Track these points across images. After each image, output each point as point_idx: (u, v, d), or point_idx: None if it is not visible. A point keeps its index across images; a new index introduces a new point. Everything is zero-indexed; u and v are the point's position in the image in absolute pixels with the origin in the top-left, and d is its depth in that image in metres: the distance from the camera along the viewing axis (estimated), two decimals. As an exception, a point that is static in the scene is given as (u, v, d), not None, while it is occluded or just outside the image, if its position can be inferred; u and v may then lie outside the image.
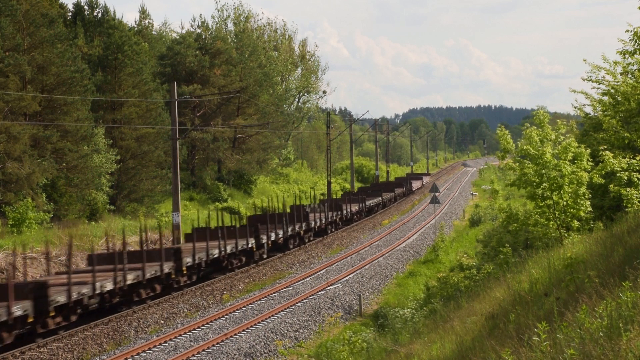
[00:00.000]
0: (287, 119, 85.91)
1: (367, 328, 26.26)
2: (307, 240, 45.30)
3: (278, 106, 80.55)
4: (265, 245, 38.48)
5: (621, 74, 22.36)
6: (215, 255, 33.22)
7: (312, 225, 45.55)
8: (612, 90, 22.23)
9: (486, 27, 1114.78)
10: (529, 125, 21.15)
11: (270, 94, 78.70)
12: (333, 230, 51.48)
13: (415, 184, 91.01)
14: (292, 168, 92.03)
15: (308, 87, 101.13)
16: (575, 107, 26.08)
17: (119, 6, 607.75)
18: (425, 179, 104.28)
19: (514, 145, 21.00)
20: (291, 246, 42.47)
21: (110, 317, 26.21)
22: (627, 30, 20.05)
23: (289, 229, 41.55)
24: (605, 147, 20.75)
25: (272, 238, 39.10)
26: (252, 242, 36.62)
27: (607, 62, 22.63)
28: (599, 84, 23.02)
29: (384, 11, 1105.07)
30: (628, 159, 19.95)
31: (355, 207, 56.90)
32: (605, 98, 23.08)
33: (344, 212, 53.30)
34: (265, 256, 38.85)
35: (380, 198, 66.54)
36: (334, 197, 70.16)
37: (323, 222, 47.99)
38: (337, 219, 52.09)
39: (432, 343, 15.08)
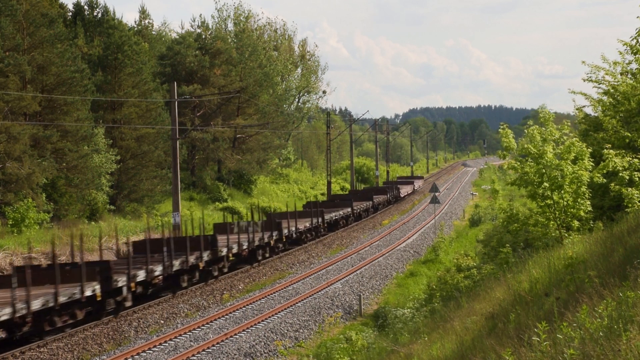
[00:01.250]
0: (287, 119, 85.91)
1: (367, 328, 26.26)
2: (217, 273, 33.49)
3: (278, 106, 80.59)
4: (126, 289, 26.00)
5: (621, 74, 22.40)
6: None
7: (224, 253, 33.31)
8: (612, 90, 22.27)
9: (486, 27, 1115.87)
10: (532, 123, 21.15)
11: (270, 94, 78.73)
12: (268, 256, 39.29)
13: (405, 190, 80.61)
14: (292, 168, 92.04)
15: (308, 87, 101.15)
16: (575, 110, 26.12)
17: (119, 6, 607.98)
18: (418, 183, 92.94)
19: (515, 144, 21.00)
20: (184, 284, 30.68)
21: (110, 317, 26.21)
22: (638, 17, 20.14)
23: (178, 262, 29.42)
24: (609, 146, 20.77)
25: (141, 277, 26.70)
26: (95, 287, 24.39)
27: (607, 62, 22.68)
28: (599, 84, 23.07)
29: (383, 11, 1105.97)
30: (630, 159, 19.97)
31: (305, 224, 44.94)
32: (605, 98, 23.13)
33: (285, 231, 41.09)
34: (128, 303, 26.53)
35: (349, 209, 55.20)
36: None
37: (245, 247, 35.61)
38: (273, 242, 39.63)
39: (432, 343, 15.07)
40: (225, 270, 34.48)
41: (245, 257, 37.20)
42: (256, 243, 37.10)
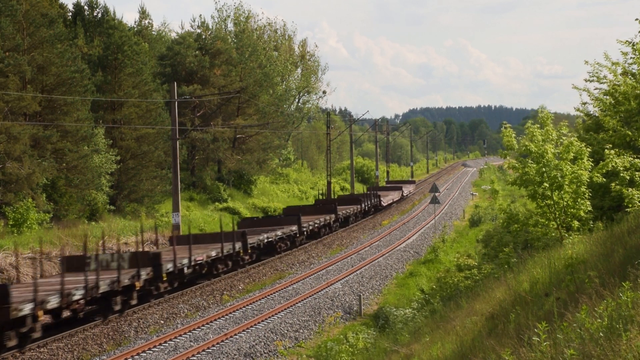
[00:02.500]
0: (287, 119, 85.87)
1: (367, 328, 26.27)
2: (15, 342, 21.60)
3: (278, 106, 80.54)
4: None
5: (621, 74, 22.44)
6: None
7: (25, 311, 21.28)
8: (613, 90, 22.33)
9: (486, 27, 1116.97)
10: (532, 122, 21.22)
11: (270, 94, 78.68)
12: (135, 303, 27.51)
13: (389, 197, 68.83)
14: (292, 168, 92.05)
15: (308, 87, 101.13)
16: (577, 110, 26.15)
17: (119, 6, 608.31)
18: (408, 189, 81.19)
19: (517, 143, 21.05)
20: None
21: (110, 317, 26.21)
22: (637, 19, 20.29)
23: None
24: (610, 146, 20.80)
25: None
26: None
27: (609, 60, 22.76)
28: (600, 83, 23.16)
29: (383, 11, 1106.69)
30: (631, 159, 20.01)
31: (210, 253, 32.63)
32: (606, 97, 23.19)
33: (169, 265, 29.02)
34: None
35: (295, 227, 43.27)
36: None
37: (77, 297, 23.71)
38: (140, 283, 27.21)
39: (433, 343, 15.08)
40: (37, 335, 22.38)
41: (81, 310, 25.56)
42: (102, 289, 24.83)
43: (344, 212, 53.85)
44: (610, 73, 22.66)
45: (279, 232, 40.91)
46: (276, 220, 44.72)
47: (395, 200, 71.72)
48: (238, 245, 35.46)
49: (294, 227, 43.22)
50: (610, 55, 22.88)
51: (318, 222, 47.47)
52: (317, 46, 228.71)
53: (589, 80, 23.11)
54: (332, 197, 70.09)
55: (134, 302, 27.50)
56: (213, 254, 33.03)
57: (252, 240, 37.03)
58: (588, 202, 20.13)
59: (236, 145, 66.98)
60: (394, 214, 66.17)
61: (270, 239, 39.61)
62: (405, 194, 77.48)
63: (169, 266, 29.15)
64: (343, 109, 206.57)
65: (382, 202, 65.33)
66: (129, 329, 25.61)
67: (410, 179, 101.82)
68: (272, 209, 62.48)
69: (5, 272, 30.71)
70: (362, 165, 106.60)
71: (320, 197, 67.22)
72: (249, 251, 37.07)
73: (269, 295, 31.03)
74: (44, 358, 22.10)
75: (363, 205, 59.29)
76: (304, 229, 44.69)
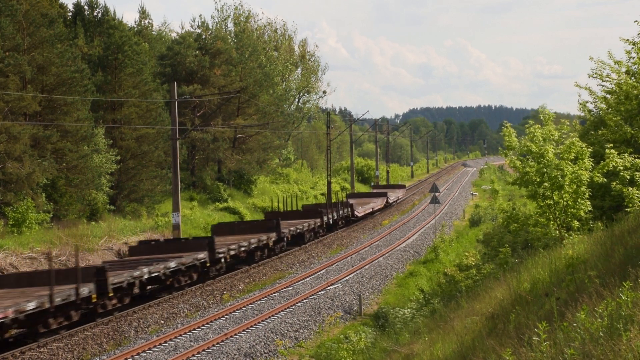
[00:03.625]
0: (287, 119, 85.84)
1: (368, 328, 26.27)
2: None
3: (278, 106, 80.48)
4: None
5: (625, 72, 22.47)
6: None
7: None
8: (617, 88, 22.38)
9: (485, 27, 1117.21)
10: (532, 122, 21.25)
11: (270, 94, 78.64)
12: None
13: (369, 206, 60.33)
14: (292, 168, 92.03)
15: (308, 87, 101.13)
16: (581, 104, 26.19)
17: (119, 6, 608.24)
18: (396, 194, 72.75)
19: (518, 143, 21.07)
20: None
21: (110, 317, 26.20)
22: (636, 21, 20.38)
23: None
24: (611, 145, 20.79)
25: None
26: None
27: (612, 58, 22.82)
28: (603, 80, 23.20)
29: (382, 11, 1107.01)
30: (632, 158, 20.01)
31: (16, 307, 21.25)
32: (608, 96, 23.23)
33: None
34: None
35: (204, 254, 32.12)
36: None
37: None
38: None
39: (433, 343, 15.08)
40: None
41: None
42: None
43: (293, 228, 42.84)
44: (613, 72, 22.70)
45: (171, 264, 29.41)
46: (182, 245, 33.81)
47: (376, 208, 62.20)
48: (88, 288, 24.29)
49: (202, 254, 31.99)
50: (614, 54, 22.95)
51: (246, 244, 35.99)
52: (317, 46, 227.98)
53: (592, 76, 23.17)
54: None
55: None
56: (31, 306, 21.22)
57: (118, 279, 25.96)
58: (588, 202, 20.14)
59: (236, 145, 66.97)
60: (394, 214, 66.15)
61: (155, 274, 28.35)
62: (391, 201, 68.30)
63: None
64: (343, 109, 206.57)
65: (355, 213, 55.91)
66: (129, 328, 25.61)
67: (399, 183, 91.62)
68: (272, 208, 62.47)
69: (5, 272, 30.71)
70: (362, 165, 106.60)
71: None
72: (111, 294, 25.67)
73: (269, 295, 31.03)
74: (44, 358, 22.10)
75: (325, 219, 48.98)
76: (221, 256, 33.47)
